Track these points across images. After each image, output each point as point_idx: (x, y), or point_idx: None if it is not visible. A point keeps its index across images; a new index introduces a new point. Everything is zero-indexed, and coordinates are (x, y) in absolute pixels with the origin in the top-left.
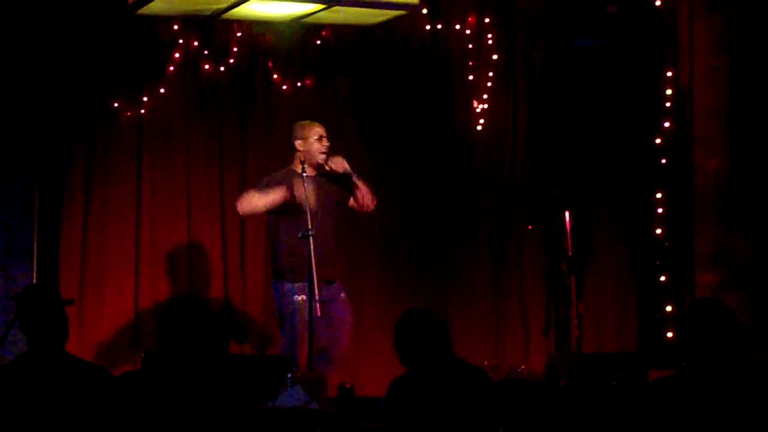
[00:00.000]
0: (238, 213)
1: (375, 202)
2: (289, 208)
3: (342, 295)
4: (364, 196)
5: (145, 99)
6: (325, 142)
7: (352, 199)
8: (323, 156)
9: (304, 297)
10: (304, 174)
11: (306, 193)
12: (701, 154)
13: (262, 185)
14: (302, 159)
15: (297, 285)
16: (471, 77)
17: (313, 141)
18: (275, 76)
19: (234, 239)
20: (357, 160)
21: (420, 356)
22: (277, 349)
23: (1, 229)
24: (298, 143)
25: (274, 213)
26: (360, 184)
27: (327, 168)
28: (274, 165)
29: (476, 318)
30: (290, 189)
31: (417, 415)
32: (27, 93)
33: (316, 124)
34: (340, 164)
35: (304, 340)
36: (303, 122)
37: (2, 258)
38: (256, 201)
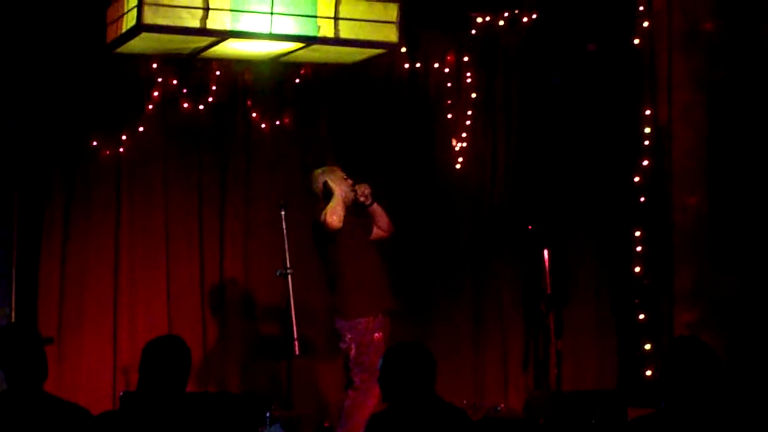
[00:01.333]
0: (216, 242)
1: (392, 229)
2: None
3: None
4: (384, 221)
5: (123, 137)
6: (351, 184)
7: (375, 227)
8: (363, 198)
9: (380, 333)
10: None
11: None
12: (680, 192)
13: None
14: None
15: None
16: (450, 116)
17: (342, 181)
18: (254, 114)
19: (213, 276)
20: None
21: (404, 391)
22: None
23: None
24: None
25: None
26: (380, 209)
27: (360, 198)
28: (253, 203)
29: (456, 356)
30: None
31: None
32: (5, 130)
33: (335, 165)
34: (368, 195)
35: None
36: (329, 165)
37: None
38: (338, 211)
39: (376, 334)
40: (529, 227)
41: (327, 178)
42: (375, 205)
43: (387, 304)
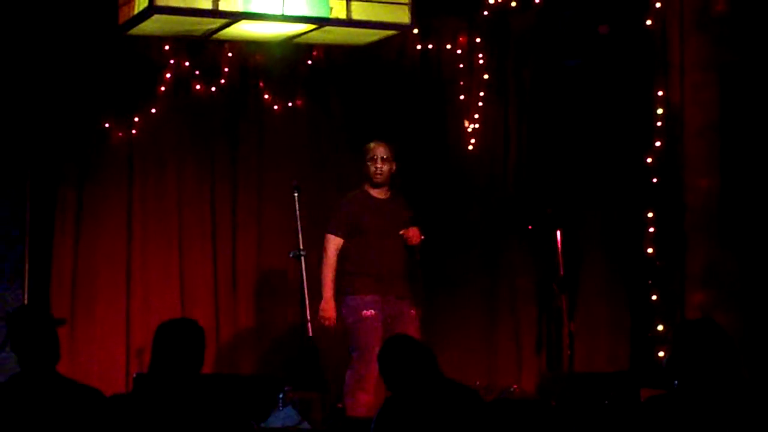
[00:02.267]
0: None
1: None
2: (354, 231)
3: (411, 312)
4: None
5: (136, 119)
6: (379, 163)
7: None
8: (378, 177)
9: (373, 312)
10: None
11: (298, 213)
12: (692, 173)
13: (333, 227)
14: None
15: (367, 299)
16: (462, 97)
17: (368, 163)
18: (266, 96)
19: (225, 258)
20: (348, 180)
21: (405, 381)
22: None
23: None
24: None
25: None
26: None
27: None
28: (266, 185)
29: (469, 337)
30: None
31: None
32: (18, 113)
33: (376, 144)
34: (417, 240)
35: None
36: (369, 143)
37: None
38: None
39: (366, 312)
40: (548, 210)
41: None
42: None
43: (383, 289)
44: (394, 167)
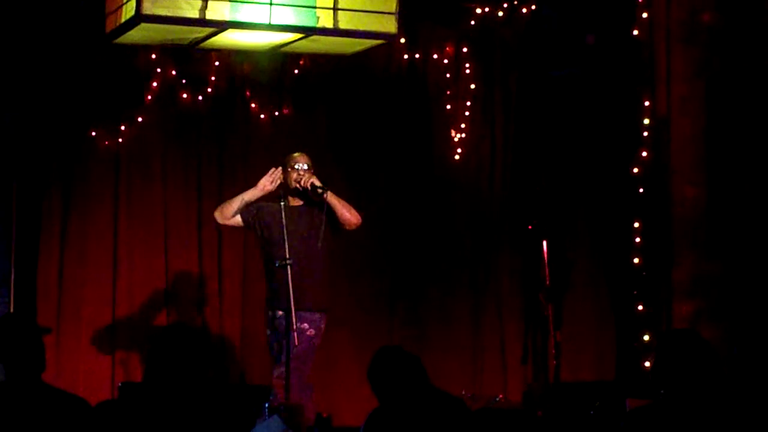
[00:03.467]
0: (215, 233)
1: (359, 218)
2: (266, 238)
3: (322, 326)
4: (342, 212)
5: (122, 128)
6: (302, 173)
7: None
8: (297, 184)
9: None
10: (282, 203)
11: (284, 221)
12: (679, 183)
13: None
14: (282, 189)
15: (279, 312)
16: (449, 107)
17: (289, 170)
18: (253, 106)
19: (212, 267)
20: (334, 189)
21: (395, 391)
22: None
23: None
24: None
25: (260, 244)
26: (335, 201)
27: (297, 187)
28: None
29: (454, 347)
30: (264, 193)
31: None
32: (4, 120)
33: (299, 154)
34: (306, 181)
35: (292, 369)
36: (293, 153)
37: None
38: (227, 206)
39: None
40: (530, 227)
41: (283, 165)
42: (330, 197)
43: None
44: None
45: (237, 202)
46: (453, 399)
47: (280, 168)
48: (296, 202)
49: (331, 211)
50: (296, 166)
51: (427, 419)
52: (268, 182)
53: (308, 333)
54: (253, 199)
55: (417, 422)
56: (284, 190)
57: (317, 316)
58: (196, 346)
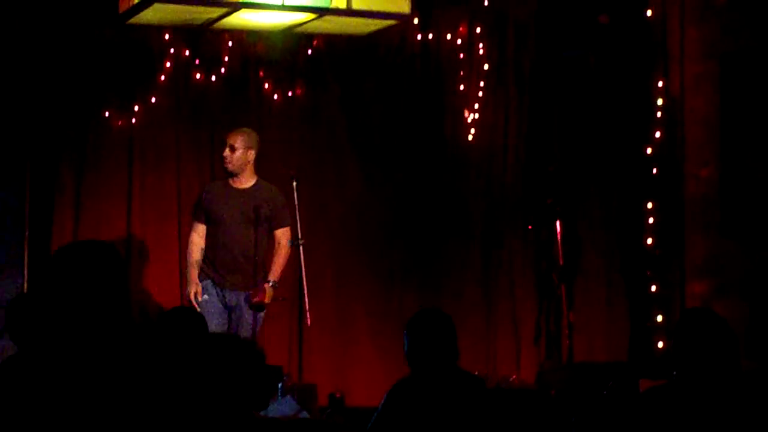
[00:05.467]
0: None
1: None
2: (213, 220)
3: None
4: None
5: (136, 108)
6: (226, 152)
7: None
8: (227, 165)
9: (207, 297)
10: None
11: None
12: (692, 163)
13: (193, 213)
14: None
15: (204, 283)
16: (462, 87)
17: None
18: (266, 86)
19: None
20: (347, 170)
21: (430, 360)
22: None
23: None
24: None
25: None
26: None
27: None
28: (263, 173)
29: (467, 327)
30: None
31: (415, 418)
32: (18, 101)
33: (228, 133)
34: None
35: None
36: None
37: None
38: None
39: (203, 296)
40: (548, 201)
41: None
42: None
43: (220, 279)
44: (250, 156)
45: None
46: (474, 378)
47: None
48: (240, 183)
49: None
50: (222, 144)
51: (450, 396)
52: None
53: (260, 315)
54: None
55: (440, 398)
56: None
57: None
58: (199, 328)
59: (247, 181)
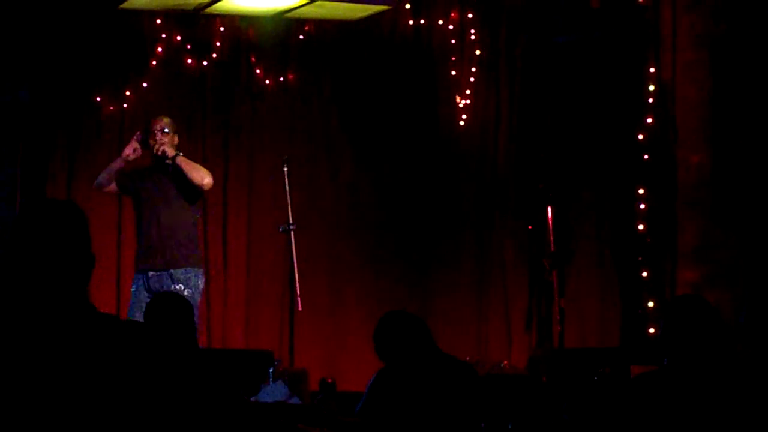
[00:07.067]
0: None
1: (210, 176)
2: (143, 198)
3: (177, 287)
4: (191, 174)
5: (127, 93)
6: (159, 137)
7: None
8: (158, 150)
9: (134, 289)
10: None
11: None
12: (684, 149)
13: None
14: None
15: (151, 273)
16: (454, 73)
17: (150, 135)
18: (258, 71)
19: (216, 233)
20: (339, 155)
21: (401, 354)
22: None
23: None
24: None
25: (134, 206)
26: (183, 164)
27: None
28: (256, 159)
29: (459, 313)
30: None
31: (400, 406)
32: (10, 85)
33: (158, 118)
34: (158, 148)
35: None
36: (153, 118)
37: None
38: (101, 176)
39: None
40: (540, 186)
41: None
42: (180, 159)
43: (149, 261)
44: (176, 140)
45: (107, 173)
46: (462, 364)
47: (139, 134)
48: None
49: (181, 175)
50: (155, 131)
51: (434, 382)
52: (130, 151)
53: (185, 293)
54: (120, 167)
55: (423, 385)
56: (152, 153)
57: (191, 273)
58: (184, 314)
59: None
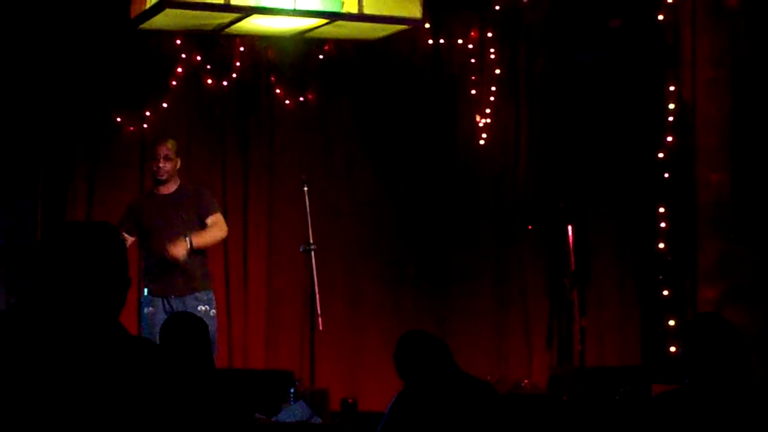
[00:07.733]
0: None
1: (225, 231)
2: (146, 231)
3: (202, 308)
4: (213, 243)
5: (147, 113)
6: (160, 163)
7: None
8: (161, 175)
9: (152, 309)
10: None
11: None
12: (704, 168)
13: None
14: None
15: (172, 297)
16: (473, 92)
17: (152, 160)
18: (278, 91)
19: (237, 253)
20: (359, 175)
21: (421, 375)
22: None
23: (6, 239)
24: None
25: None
26: (201, 243)
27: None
28: (276, 179)
29: (479, 332)
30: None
31: (421, 426)
32: (31, 106)
33: (158, 143)
34: (179, 253)
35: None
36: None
37: (6, 268)
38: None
39: (146, 309)
40: (560, 204)
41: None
42: (195, 242)
43: (160, 288)
44: (178, 164)
45: None
46: (481, 383)
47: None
48: (166, 189)
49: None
50: (158, 157)
51: (454, 402)
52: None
53: (211, 314)
54: None
55: (444, 405)
56: (153, 179)
57: (211, 294)
58: (200, 333)
59: (172, 187)
